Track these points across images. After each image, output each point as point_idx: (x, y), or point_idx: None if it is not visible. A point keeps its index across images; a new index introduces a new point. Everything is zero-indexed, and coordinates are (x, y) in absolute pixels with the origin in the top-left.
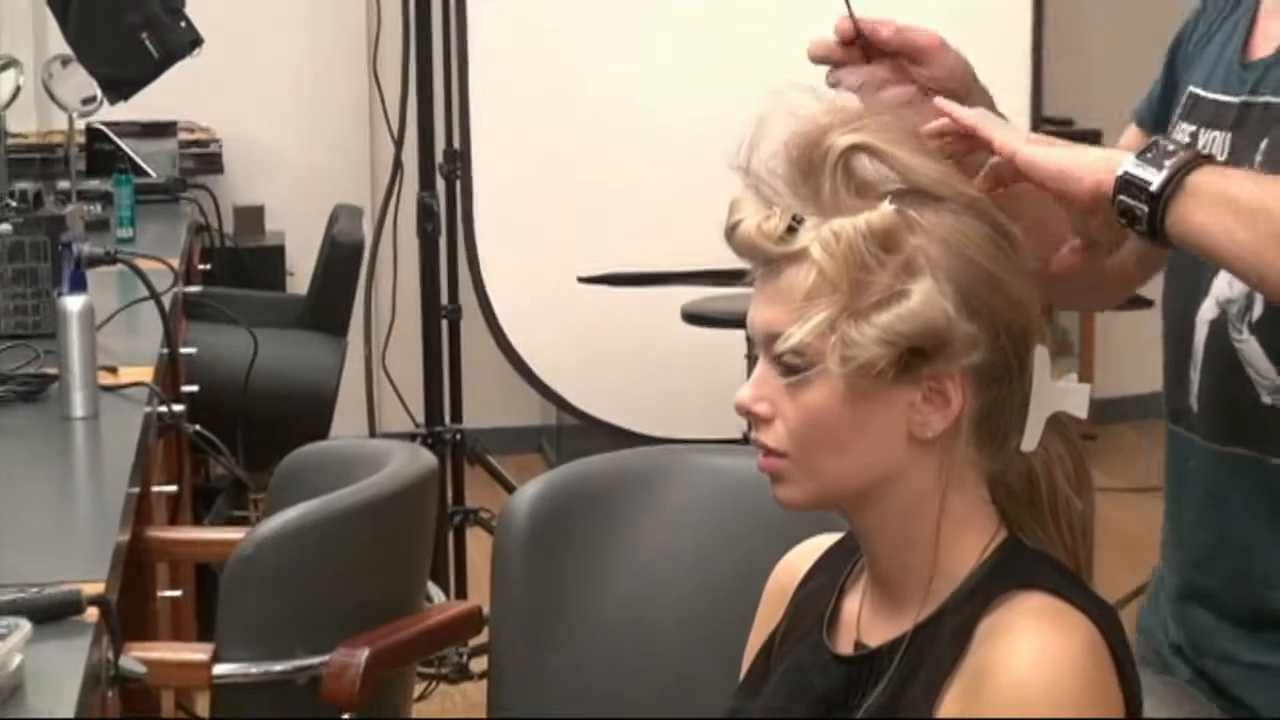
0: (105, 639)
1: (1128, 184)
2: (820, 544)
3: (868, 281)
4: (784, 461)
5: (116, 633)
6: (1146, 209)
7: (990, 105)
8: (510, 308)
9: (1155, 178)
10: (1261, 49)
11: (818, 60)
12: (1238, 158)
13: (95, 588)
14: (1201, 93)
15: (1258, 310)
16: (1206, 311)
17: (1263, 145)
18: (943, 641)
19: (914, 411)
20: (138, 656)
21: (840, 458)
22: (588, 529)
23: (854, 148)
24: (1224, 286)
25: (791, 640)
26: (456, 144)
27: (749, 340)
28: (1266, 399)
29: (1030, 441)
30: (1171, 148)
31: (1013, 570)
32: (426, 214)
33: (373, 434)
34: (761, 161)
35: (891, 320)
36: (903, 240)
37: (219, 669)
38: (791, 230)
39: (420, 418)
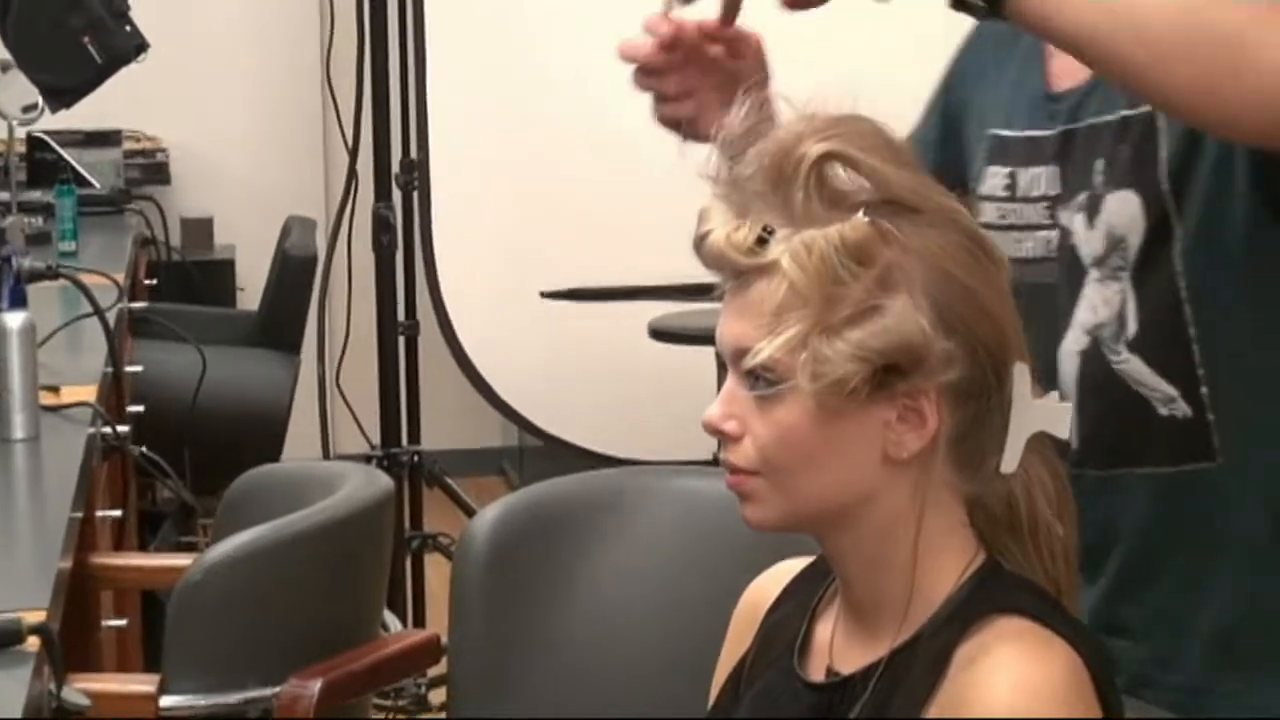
0: (47, 670)
1: None
2: (791, 568)
3: (840, 295)
4: (753, 480)
5: (59, 663)
6: None
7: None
8: (470, 324)
9: None
10: (1065, 81)
11: (628, 59)
12: (1071, 188)
13: (36, 616)
14: (1008, 133)
15: (1132, 327)
16: (1073, 344)
17: (1098, 165)
18: (919, 668)
19: (888, 430)
20: (81, 688)
21: (812, 477)
22: (551, 554)
23: (827, 156)
24: (1089, 314)
25: (761, 666)
26: (413, 153)
27: (719, 357)
28: (1163, 410)
29: (1010, 463)
30: None
31: (991, 594)
32: (382, 226)
33: (326, 456)
34: (732, 171)
35: (865, 336)
36: (877, 253)
37: (166, 701)
38: (762, 241)
39: (376, 439)
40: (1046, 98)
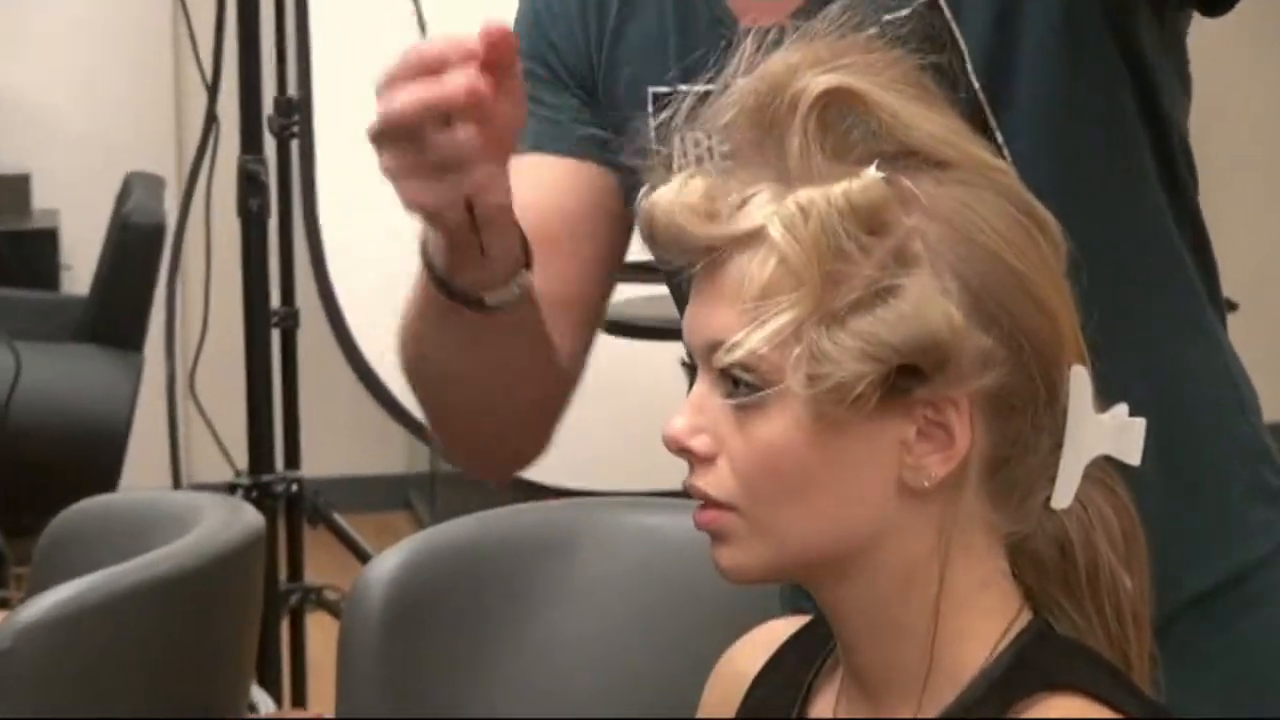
0: None
1: None
2: (780, 630)
3: (845, 274)
4: (729, 516)
5: None
6: None
7: None
8: (366, 314)
9: None
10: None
11: None
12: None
13: None
14: (668, 89)
15: None
16: None
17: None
18: None
19: (905, 451)
20: None
21: (805, 512)
22: (469, 612)
23: (832, 92)
24: None
25: None
26: (292, 90)
27: (688, 358)
28: None
29: (1064, 497)
30: None
31: (1038, 666)
32: (251, 185)
33: (177, 485)
34: (701, 114)
35: (876, 326)
36: (893, 219)
37: None
38: (742, 204)
39: (242, 462)
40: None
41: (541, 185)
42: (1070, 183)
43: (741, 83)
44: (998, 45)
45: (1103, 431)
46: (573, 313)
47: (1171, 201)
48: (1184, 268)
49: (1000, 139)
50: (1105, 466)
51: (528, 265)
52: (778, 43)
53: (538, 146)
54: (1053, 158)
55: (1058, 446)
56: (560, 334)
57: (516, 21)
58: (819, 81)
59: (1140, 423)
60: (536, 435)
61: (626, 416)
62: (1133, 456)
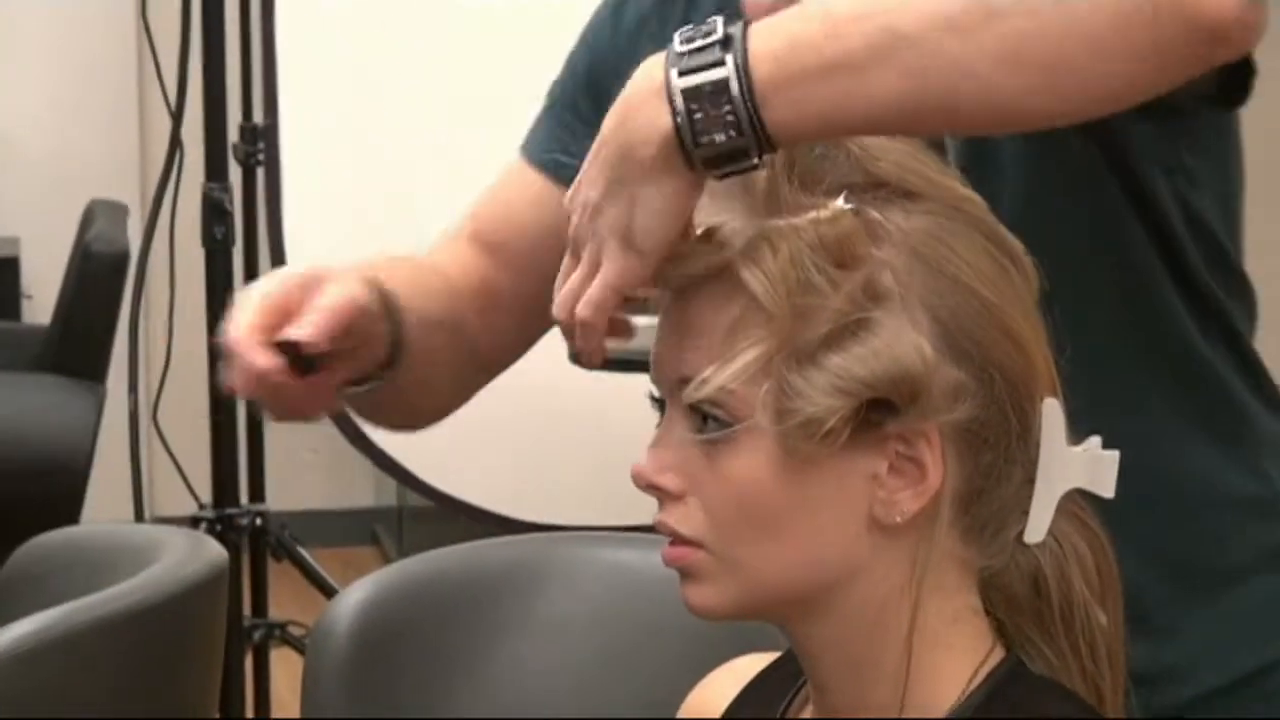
0: None
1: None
2: (748, 666)
3: (815, 308)
4: (699, 553)
5: None
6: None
7: None
8: None
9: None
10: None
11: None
12: None
13: None
14: None
15: None
16: None
17: None
18: None
19: (877, 486)
20: None
21: (776, 549)
22: (434, 647)
23: None
24: None
25: None
26: (258, 117)
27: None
28: None
29: (1037, 531)
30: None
31: (1012, 704)
32: (215, 213)
33: (140, 518)
34: None
35: (847, 361)
36: (863, 252)
37: None
38: (707, 236)
39: (206, 495)
40: None
41: (523, 198)
42: (1059, 277)
43: None
44: (979, 142)
45: (1076, 464)
46: (536, 322)
47: (1187, 300)
48: (1205, 364)
49: None
50: (1078, 500)
51: (389, 365)
52: None
53: (530, 155)
54: (1040, 252)
55: (1030, 480)
56: (523, 334)
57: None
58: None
59: (1114, 455)
60: (452, 404)
61: (598, 450)
62: (1106, 489)
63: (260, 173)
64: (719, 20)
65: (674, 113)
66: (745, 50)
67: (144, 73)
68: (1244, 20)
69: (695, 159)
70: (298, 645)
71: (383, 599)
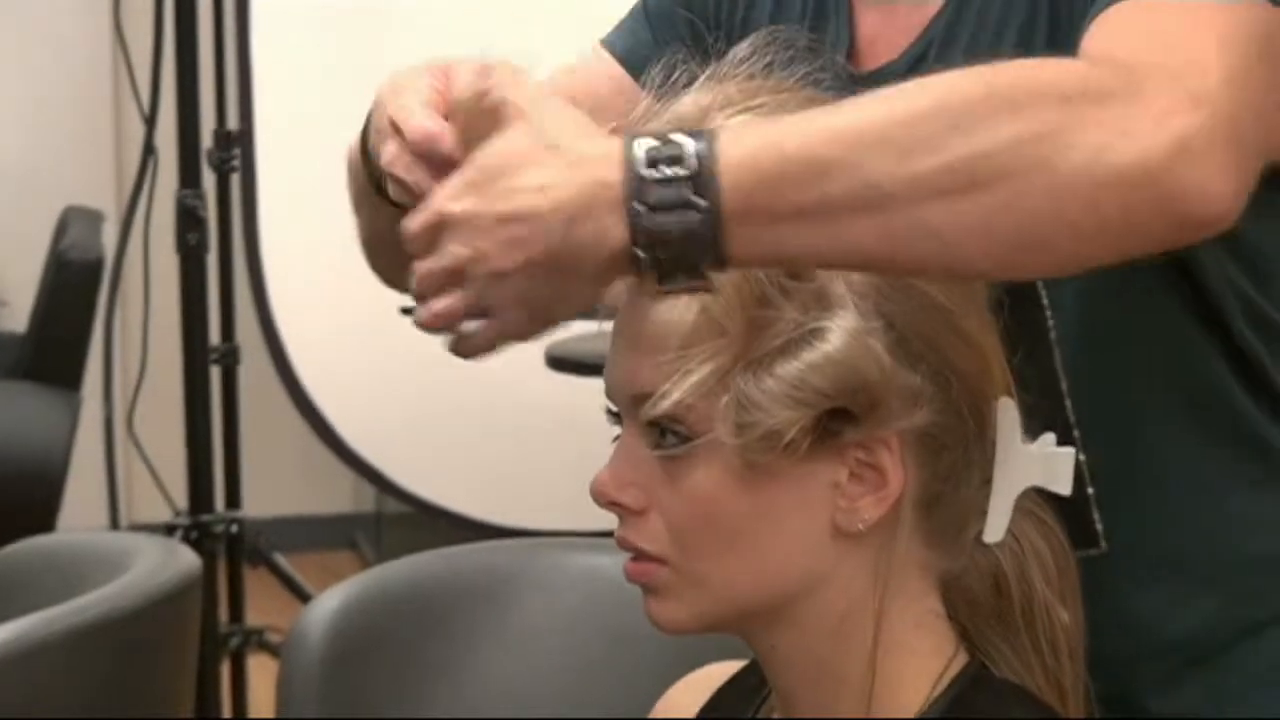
0: None
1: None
2: (716, 675)
3: (768, 319)
4: (662, 569)
5: None
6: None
7: None
8: (308, 350)
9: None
10: (872, 57)
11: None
12: None
13: None
14: None
15: None
16: None
17: None
18: None
19: (839, 495)
20: None
21: (738, 562)
22: (409, 653)
23: None
24: None
25: None
26: (232, 123)
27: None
28: None
29: (996, 530)
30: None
31: (976, 708)
32: (189, 220)
33: (115, 525)
34: None
35: (803, 371)
36: None
37: None
38: None
39: (182, 502)
40: (852, 78)
41: (603, 74)
42: (1102, 326)
43: (651, 126)
44: None
45: (1032, 462)
46: None
47: (1232, 353)
48: (1249, 419)
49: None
50: (1035, 498)
51: None
52: (688, 84)
53: (611, 47)
54: (1103, 349)
55: (988, 480)
56: None
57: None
58: (731, 125)
59: (1069, 452)
60: None
61: (574, 455)
62: (1062, 486)
63: (235, 179)
64: (688, 142)
65: (635, 251)
66: (717, 187)
67: (119, 79)
68: (1233, 211)
69: (647, 282)
70: (275, 651)
71: (358, 604)
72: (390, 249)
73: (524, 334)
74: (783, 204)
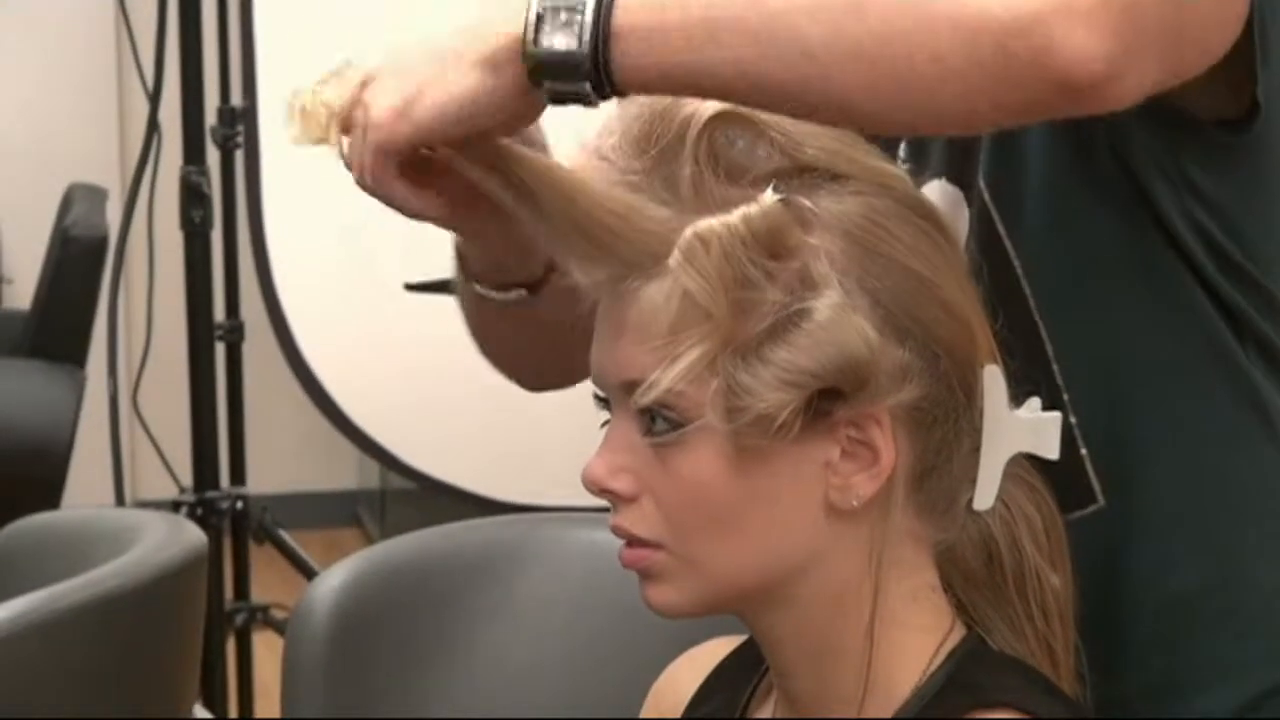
0: None
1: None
2: (717, 650)
3: (753, 301)
4: (658, 554)
5: None
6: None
7: None
8: (313, 327)
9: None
10: None
11: None
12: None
13: None
14: None
15: None
16: None
17: (900, 150)
18: None
19: (831, 473)
20: None
21: (733, 545)
22: (414, 629)
23: (721, 116)
24: None
25: None
26: (236, 99)
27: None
28: None
29: (986, 497)
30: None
31: (971, 683)
32: (193, 197)
33: (120, 502)
34: (604, 146)
35: (791, 353)
36: (795, 241)
37: None
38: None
39: (187, 479)
40: None
41: None
42: (1082, 286)
43: (622, 111)
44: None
45: (1020, 429)
46: None
47: (1217, 304)
48: (1240, 371)
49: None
50: (1023, 463)
51: (532, 290)
52: None
53: None
54: (1065, 250)
55: (977, 449)
56: None
57: None
58: (707, 106)
59: (1055, 416)
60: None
61: (578, 430)
62: (1050, 450)
63: (239, 155)
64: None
65: (524, 40)
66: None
67: (123, 56)
68: (1111, 80)
69: (529, 60)
70: (280, 628)
71: (362, 581)
72: (498, 337)
73: (390, 104)
74: (670, 16)
